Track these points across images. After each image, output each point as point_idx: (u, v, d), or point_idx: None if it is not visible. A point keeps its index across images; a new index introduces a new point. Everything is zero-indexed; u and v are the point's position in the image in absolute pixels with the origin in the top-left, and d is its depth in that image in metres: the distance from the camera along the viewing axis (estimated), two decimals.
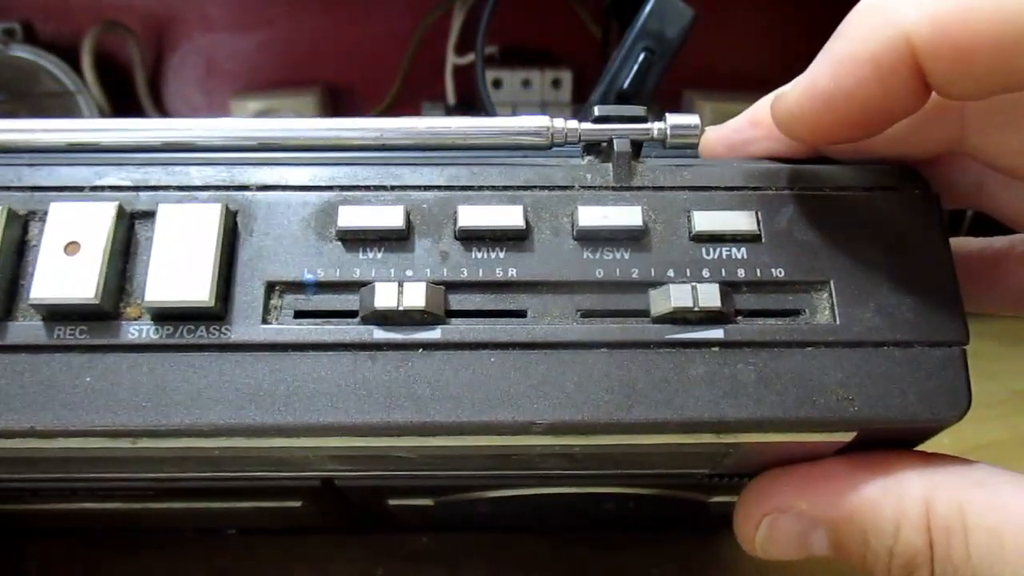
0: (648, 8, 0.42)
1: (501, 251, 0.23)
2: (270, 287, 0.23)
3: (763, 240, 0.23)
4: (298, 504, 0.33)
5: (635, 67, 0.42)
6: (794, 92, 0.22)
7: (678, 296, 0.22)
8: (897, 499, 0.22)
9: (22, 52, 0.60)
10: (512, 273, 0.23)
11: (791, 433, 0.22)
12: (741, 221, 0.23)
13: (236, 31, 0.66)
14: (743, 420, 0.22)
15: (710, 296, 0.22)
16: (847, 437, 0.23)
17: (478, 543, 0.42)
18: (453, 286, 0.23)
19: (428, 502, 0.34)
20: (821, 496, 0.24)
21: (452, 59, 0.64)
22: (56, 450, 0.22)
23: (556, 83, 0.65)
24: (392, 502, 0.34)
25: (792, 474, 0.25)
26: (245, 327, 0.22)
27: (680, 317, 0.22)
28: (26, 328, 0.22)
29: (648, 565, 0.41)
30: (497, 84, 0.64)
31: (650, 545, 0.42)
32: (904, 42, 0.20)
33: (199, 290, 0.22)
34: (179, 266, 0.22)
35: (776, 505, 0.24)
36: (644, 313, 0.23)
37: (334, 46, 0.66)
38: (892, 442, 0.24)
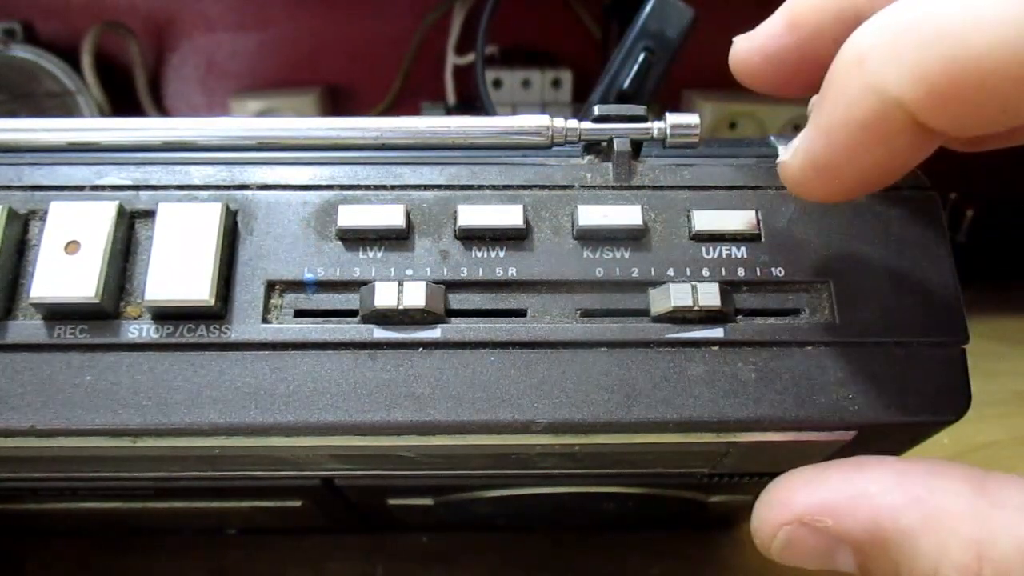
0: (648, 8, 0.42)
1: (501, 250, 0.23)
2: (270, 286, 0.23)
3: (763, 239, 0.23)
4: (298, 504, 0.33)
5: (635, 67, 0.42)
6: (795, 164, 0.21)
7: (678, 295, 0.22)
8: (939, 536, 0.19)
9: (22, 52, 0.60)
10: (512, 272, 0.23)
11: (791, 432, 0.22)
12: (742, 220, 0.23)
13: (236, 31, 0.65)
14: (743, 419, 0.22)
15: (710, 295, 0.22)
16: (847, 436, 0.23)
17: (478, 543, 0.42)
18: (453, 285, 0.23)
19: (428, 502, 0.34)
20: (851, 516, 0.21)
21: (452, 59, 0.63)
22: (56, 449, 0.22)
23: (556, 83, 0.65)
24: (392, 502, 0.34)
25: (822, 482, 0.22)
26: (245, 326, 0.22)
27: (680, 316, 0.22)
28: (26, 327, 0.22)
29: (648, 565, 0.41)
30: (497, 84, 0.64)
31: (650, 545, 0.42)
32: (897, 107, 0.18)
33: (199, 289, 0.22)
34: (179, 265, 0.22)
35: (798, 515, 0.21)
36: (644, 312, 0.23)
37: (334, 46, 0.66)
38: (893, 441, 0.24)
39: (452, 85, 0.64)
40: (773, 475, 0.27)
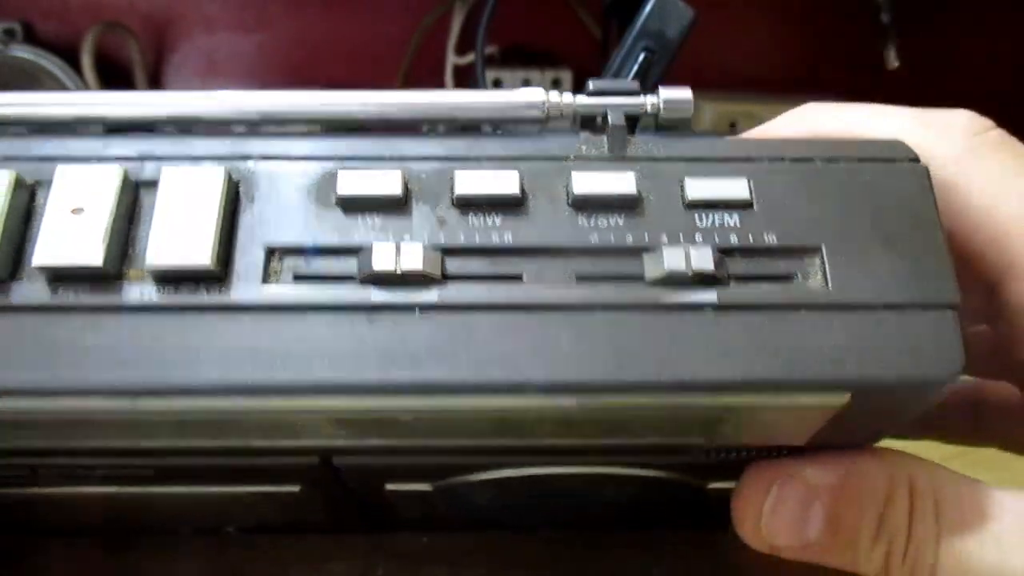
0: (648, 8, 0.42)
1: (497, 217, 0.24)
2: (270, 251, 0.23)
3: (755, 207, 0.24)
4: (296, 488, 0.33)
5: (635, 67, 0.42)
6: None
7: (671, 260, 0.22)
8: (888, 472, 0.26)
9: (22, 52, 0.60)
10: (508, 238, 0.23)
11: (785, 394, 0.22)
12: (734, 188, 0.24)
13: (236, 31, 0.66)
14: (736, 380, 0.22)
15: (703, 259, 0.22)
16: (842, 399, 0.23)
17: (478, 543, 0.42)
18: (450, 251, 0.23)
19: (426, 487, 0.34)
20: (823, 465, 0.27)
21: (452, 59, 0.64)
22: (56, 412, 0.23)
23: (556, 83, 0.65)
24: (390, 487, 0.34)
25: (804, 457, 0.27)
26: (245, 289, 0.22)
27: (674, 280, 0.23)
28: (30, 289, 0.22)
29: (648, 565, 0.41)
30: (497, 84, 0.65)
31: (650, 545, 0.42)
32: None
33: (201, 253, 0.22)
34: (181, 230, 0.22)
35: (784, 471, 0.27)
36: (638, 277, 0.23)
37: (334, 46, 0.67)
38: (889, 406, 0.24)
39: (452, 85, 0.65)
40: (770, 450, 0.28)
